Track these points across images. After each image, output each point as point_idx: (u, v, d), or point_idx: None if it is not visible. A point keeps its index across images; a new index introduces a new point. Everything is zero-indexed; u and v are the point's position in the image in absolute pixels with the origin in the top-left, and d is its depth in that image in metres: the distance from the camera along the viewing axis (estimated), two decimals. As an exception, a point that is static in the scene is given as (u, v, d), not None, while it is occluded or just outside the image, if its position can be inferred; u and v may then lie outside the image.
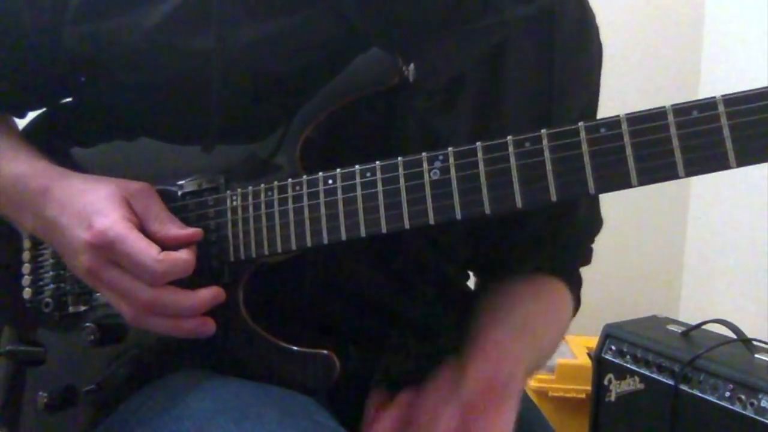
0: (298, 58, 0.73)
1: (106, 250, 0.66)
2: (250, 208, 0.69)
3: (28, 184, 0.74)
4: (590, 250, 0.92)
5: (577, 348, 1.99)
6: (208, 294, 0.67)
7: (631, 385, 1.61)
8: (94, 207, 0.68)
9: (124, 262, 0.66)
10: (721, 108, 0.53)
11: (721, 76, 2.20)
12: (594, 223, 0.90)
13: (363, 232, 0.64)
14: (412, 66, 0.67)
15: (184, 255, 0.67)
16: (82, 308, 0.77)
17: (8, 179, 0.76)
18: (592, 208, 0.89)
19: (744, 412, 1.37)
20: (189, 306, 0.66)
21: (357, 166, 0.64)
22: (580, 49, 0.81)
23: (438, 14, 0.74)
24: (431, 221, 0.61)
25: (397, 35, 0.73)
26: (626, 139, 0.55)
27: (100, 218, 0.67)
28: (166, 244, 0.67)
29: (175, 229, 0.69)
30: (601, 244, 0.92)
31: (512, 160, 0.59)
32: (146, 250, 0.65)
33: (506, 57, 0.76)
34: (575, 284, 0.91)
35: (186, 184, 0.73)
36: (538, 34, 0.78)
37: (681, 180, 0.55)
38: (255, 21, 0.73)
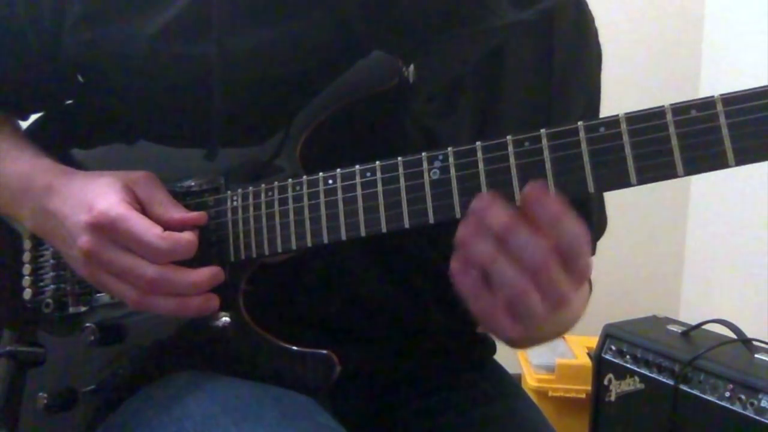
0: (299, 62, 0.73)
1: (108, 229, 0.66)
2: (251, 208, 0.69)
3: (32, 180, 0.74)
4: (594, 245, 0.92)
5: (577, 348, 1.99)
6: (208, 271, 0.67)
7: (631, 385, 1.61)
8: (95, 192, 0.68)
9: (126, 240, 0.66)
10: (719, 107, 0.53)
11: (721, 76, 2.20)
12: (601, 221, 0.90)
13: (363, 232, 0.64)
14: (411, 67, 0.67)
15: (187, 235, 0.67)
16: (83, 309, 0.78)
17: (12, 177, 0.76)
18: (598, 207, 0.89)
19: (744, 412, 1.37)
20: (192, 282, 0.66)
21: (357, 166, 0.64)
22: (579, 53, 0.81)
23: (438, 18, 0.74)
24: (431, 220, 0.61)
25: (397, 39, 0.73)
26: (625, 138, 0.55)
27: (102, 200, 0.67)
28: (169, 227, 0.67)
29: (179, 212, 0.69)
30: (601, 244, 0.92)
31: (512, 159, 0.59)
32: (150, 228, 0.65)
33: (505, 61, 0.76)
34: None
35: (186, 185, 0.73)
36: (537, 38, 0.78)
37: (681, 180, 0.55)
38: (255, 27, 0.73)
